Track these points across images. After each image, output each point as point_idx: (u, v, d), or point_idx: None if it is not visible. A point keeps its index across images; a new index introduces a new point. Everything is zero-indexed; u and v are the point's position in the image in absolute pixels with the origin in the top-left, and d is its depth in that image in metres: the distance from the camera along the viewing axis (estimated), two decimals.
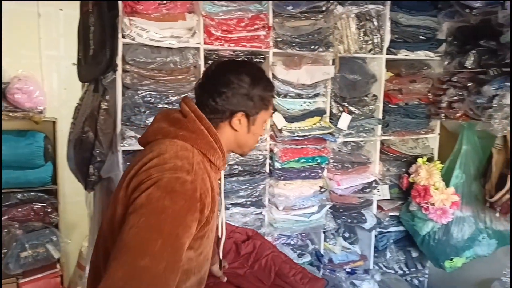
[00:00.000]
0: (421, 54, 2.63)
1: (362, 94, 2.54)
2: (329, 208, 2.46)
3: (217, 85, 1.18)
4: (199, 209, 1.03)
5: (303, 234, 2.58)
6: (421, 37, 2.61)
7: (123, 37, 1.96)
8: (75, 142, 2.07)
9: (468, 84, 2.38)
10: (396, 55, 2.58)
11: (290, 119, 2.33)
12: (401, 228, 2.74)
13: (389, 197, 2.69)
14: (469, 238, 2.44)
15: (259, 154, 2.32)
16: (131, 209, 0.99)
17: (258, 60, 2.28)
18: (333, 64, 2.39)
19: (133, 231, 0.94)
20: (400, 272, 2.76)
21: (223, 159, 1.20)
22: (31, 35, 3.05)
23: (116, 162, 1.99)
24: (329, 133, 2.38)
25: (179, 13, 2.06)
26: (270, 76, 2.25)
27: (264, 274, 1.90)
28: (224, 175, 1.97)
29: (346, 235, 2.66)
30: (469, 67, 2.37)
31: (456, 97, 2.45)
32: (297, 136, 2.29)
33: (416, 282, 2.81)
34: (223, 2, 2.14)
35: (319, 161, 2.40)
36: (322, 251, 2.55)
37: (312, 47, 2.31)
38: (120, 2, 1.94)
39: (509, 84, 2.14)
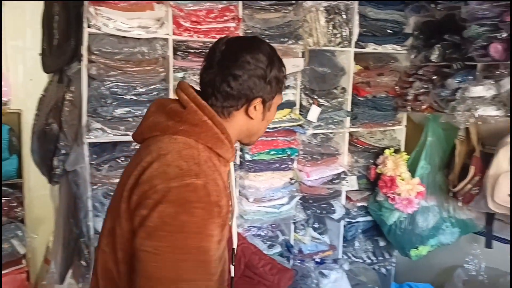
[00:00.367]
0: (388, 48, 2.68)
1: (331, 86, 2.57)
2: (299, 199, 2.48)
3: (232, 67, 1.01)
4: (217, 213, 0.92)
5: (273, 225, 2.60)
6: (389, 31, 2.65)
7: (89, 26, 1.92)
8: (38, 134, 2.02)
9: (433, 77, 2.44)
10: (364, 48, 2.61)
11: None
12: (369, 218, 2.80)
13: (357, 188, 2.74)
14: (433, 227, 2.52)
15: None
16: (143, 233, 0.87)
17: None
18: (302, 56, 2.41)
19: (157, 259, 0.85)
20: (368, 261, 2.81)
21: (232, 149, 1.07)
22: None
23: (82, 155, 1.95)
24: (299, 125, 2.40)
25: (147, 3, 2.02)
26: None
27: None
28: None
29: (316, 225, 2.69)
30: (434, 60, 2.43)
31: (421, 90, 2.50)
32: (267, 128, 2.30)
33: (383, 270, 2.87)
34: None
35: (289, 153, 2.42)
36: (292, 242, 2.58)
37: (282, 39, 2.32)
38: None
39: (471, 77, 2.21)
